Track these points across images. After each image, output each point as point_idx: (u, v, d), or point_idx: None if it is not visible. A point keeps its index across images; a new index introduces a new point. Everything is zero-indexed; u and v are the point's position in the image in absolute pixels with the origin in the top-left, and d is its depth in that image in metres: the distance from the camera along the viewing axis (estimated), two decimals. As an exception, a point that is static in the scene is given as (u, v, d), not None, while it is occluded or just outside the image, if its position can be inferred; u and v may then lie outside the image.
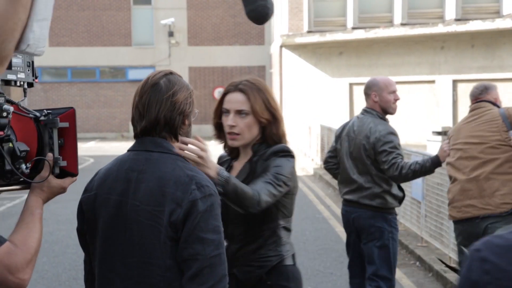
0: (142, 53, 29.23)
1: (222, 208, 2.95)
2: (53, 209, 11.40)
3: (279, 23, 24.03)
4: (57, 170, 2.02)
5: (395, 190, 4.93)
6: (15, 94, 18.62)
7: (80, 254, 7.82)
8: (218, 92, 29.36)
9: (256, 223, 2.91)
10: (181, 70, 29.41)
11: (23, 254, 1.88)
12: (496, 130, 4.81)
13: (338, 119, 19.13)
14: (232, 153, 3.06)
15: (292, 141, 22.08)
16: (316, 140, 16.92)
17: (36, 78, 2.02)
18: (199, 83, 29.62)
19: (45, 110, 2.03)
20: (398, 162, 4.75)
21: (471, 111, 5.01)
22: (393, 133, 4.88)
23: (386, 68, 20.70)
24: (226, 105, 2.97)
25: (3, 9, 1.52)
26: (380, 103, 4.91)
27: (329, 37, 21.33)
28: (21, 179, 1.96)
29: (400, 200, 4.96)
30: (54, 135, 2.01)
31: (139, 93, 2.31)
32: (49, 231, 9.49)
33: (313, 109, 21.65)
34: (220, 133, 3.02)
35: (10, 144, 1.90)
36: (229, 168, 3.06)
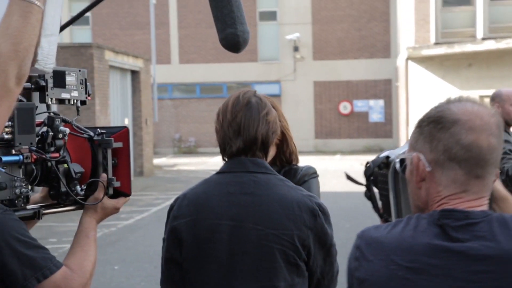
0: (267, 68, 29.62)
1: None
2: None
3: (405, 36, 23.60)
4: (111, 191, 2.00)
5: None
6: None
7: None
8: (343, 106, 29.21)
9: None
10: (306, 85, 29.54)
11: (79, 278, 1.87)
12: None
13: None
14: None
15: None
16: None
17: (89, 95, 2.02)
18: (324, 97, 29.59)
19: (98, 129, 2.02)
20: (506, 166, 4.90)
21: None
22: (506, 141, 4.95)
23: (519, 79, 19.81)
24: None
25: (20, 25, 1.54)
26: (502, 114, 5.07)
27: (457, 48, 20.70)
28: (70, 200, 1.96)
29: None
30: (108, 155, 1.98)
31: (230, 111, 2.27)
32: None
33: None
34: None
35: (66, 166, 1.91)
36: None
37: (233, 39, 2.00)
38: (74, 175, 1.93)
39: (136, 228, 11.34)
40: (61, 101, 1.95)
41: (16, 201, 1.84)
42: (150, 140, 20.36)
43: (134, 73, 19.41)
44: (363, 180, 2.65)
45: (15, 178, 1.82)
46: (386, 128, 29.17)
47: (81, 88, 2.00)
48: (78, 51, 16.17)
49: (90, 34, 29.84)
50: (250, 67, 29.64)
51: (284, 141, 2.87)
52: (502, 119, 5.16)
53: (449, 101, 1.55)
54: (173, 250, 2.29)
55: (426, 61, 21.69)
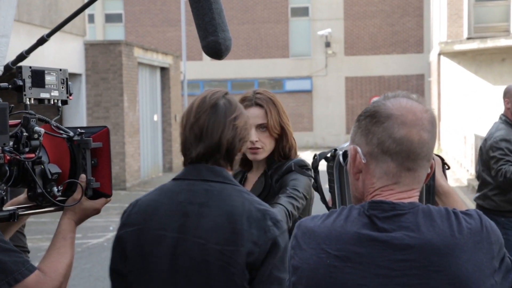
0: (299, 64, 29.57)
1: None
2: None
3: (438, 30, 23.34)
4: (90, 192, 1.97)
5: (510, 194, 5.00)
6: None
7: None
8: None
9: None
10: (337, 80, 29.41)
11: (52, 282, 1.85)
12: None
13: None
14: (246, 166, 3.02)
15: (448, 151, 21.33)
16: (471, 150, 16.22)
17: (70, 95, 1.99)
18: (355, 93, 29.43)
19: (79, 129, 1.98)
20: (503, 168, 4.89)
21: None
22: (505, 139, 4.97)
23: (553, 74, 19.46)
24: None
25: None
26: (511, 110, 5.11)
27: (490, 43, 20.41)
28: (47, 201, 1.93)
29: None
30: (87, 155, 1.95)
31: (194, 113, 2.07)
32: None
33: (472, 118, 20.79)
34: None
35: (42, 167, 1.89)
36: (243, 180, 3.05)
37: (215, 47, 2.03)
38: (50, 176, 1.91)
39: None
40: (40, 101, 1.93)
41: None
42: (179, 136, 20.47)
43: (164, 70, 19.55)
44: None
45: None
46: (419, 124, 28.88)
47: (62, 87, 1.97)
48: (107, 48, 16.34)
49: (123, 31, 30.14)
50: (281, 63, 29.62)
51: (283, 136, 2.88)
52: (511, 115, 5.14)
53: (386, 97, 1.60)
54: (118, 261, 2.11)
55: (459, 56, 21.44)
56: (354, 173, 1.59)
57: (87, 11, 17.50)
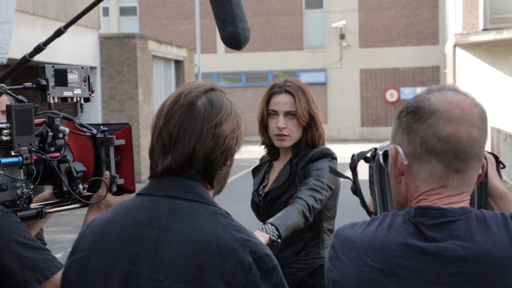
0: (313, 56, 29.50)
1: (263, 209, 2.98)
2: (224, 208, 11.82)
3: (453, 22, 23.18)
4: (114, 188, 2.01)
5: None
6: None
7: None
8: (389, 94, 28.89)
9: None
10: (352, 73, 29.31)
11: None
12: None
13: (516, 120, 18.13)
14: (273, 154, 3.05)
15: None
16: (487, 142, 16.15)
17: (92, 92, 2.02)
18: (370, 85, 29.33)
19: (101, 127, 2.01)
20: None
21: None
22: None
23: None
24: (274, 107, 2.94)
25: None
26: None
27: (506, 34, 20.24)
28: (73, 198, 1.98)
29: None
30: (110, 152, 1.99)
31: (164, 115, 1.62)
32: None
33: (488, 109, 20.60)
34: (264, 135, 3.02)
35: (67, 165, 1.94)
36: (269, 168, 3.07)
37: (234, 37, 2.04)
38: (75, 174, 1.95)
39: (175, 216, 11.47)
40: (63, 100, 1.97)
41: (17, 202, 1.87)
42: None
43: (178, 63, 19.57)
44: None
45: (16, 179, 1.86)
46: (434, 116, 28.79)
47: (84, 85, 2.01)
48: (122, 41, 16.38)
49: (138, 24, 30.20)
50: (296, 56, 29.56)
51: (312, 124, 2.91)
52: None
53: (429, 91, 1.45)
54: None
55: (474, 48, 21.29)
56: (395, 175, 1.45)
57: (102, 5, 17.55)
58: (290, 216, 2.62)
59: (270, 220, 2.59)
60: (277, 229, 2.53)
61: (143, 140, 16.51)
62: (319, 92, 29.23)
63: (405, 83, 28.94)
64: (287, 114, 2.92)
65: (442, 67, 27.82)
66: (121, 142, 2.01)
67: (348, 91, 29.30)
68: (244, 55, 29.51)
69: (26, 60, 2.07)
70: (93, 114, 15.84)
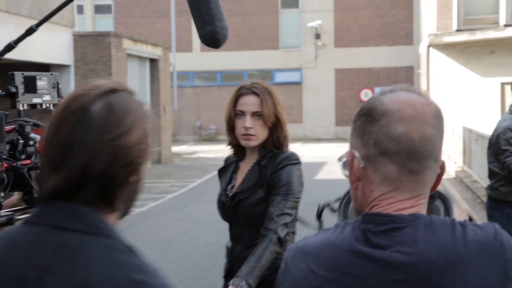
0: (289, 56, 29.56)
1: (230, 210, 3.05)
2: (191, 209, 11.82)
3: (427, 23, 23.37)
4: None
5: None
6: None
7: (207, 255, 8.07)
8: (364, 94, 29.05)
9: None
10: (327, 72, 29.42)
11: None
12: None
13: (488, 119, 18.32)
14: (239, 154, 3.13)
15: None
16: (459, 142, 16.31)
17: (62, 98, 2.02)
18: (345, 84, 29.47)
19: None
20: (507, 160, 4.97)
21: None
22: (511, 129, 5.02)
23: (541, 66, 19.55)
24: (241, 108, 3.02)
25: None
26: None
27: (479, 35, 20.45)
28: None
29: None
30: None
31: (54, 122, 1.36)
32: (182, 231, 9.85)
33: (460, 110, 20.87)
34: (231, 135, 3.10)
35: (38, 172, 1.91)
36: (236, 169, 3.16)
37: (212, 36, 2.04)
38: None
39: (149, 215, 11.44)
40: (33, 106, 1.98)
41: None
42: (168, 128, 20.46)
43: (153, 61, 19.50)
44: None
45: None
46: (408, 116, 29.00)
47: (53, 91, 2.02)
48: (96, 39, 16.28)
49: (113, 22, 30.01)
50: (271, 55, 29.60)
51: (278, 126, 3.00)
52: None
53: (382, 93, 1.43)
54: None
55: (448, 48, 21.47)
56: (352, 181, 1.41)
57: (76, 2, 17.39)
58: (261, 259, 2.81)
59: (242, 272, 2.77)
60: (248, 285, 2.73)
61: (118, 139, 16.42)
62: (294, 91, 29.31)
63: (379, 83, 29.11)
64: (254, 114, 3.00)
65: (416, 67, 28.04)
66: None
67: (323, 91, 29.40)
68: (219, 54, 29.48)
69: None
70: (67, 112, 15.72)
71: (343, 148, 24.61)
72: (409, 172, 1.35)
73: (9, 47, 2.03)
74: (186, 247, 8.73)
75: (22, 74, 1.95)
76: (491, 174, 5.25)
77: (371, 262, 1.33)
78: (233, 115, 3.05)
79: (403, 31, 29.08)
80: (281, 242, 2.86)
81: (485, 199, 9.11)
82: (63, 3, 2.02)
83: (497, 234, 1.35)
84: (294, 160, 2.99)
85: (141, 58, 18.72)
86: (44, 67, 16.05)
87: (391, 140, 1.35)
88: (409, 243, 1.32)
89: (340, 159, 1.51)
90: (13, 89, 1.93)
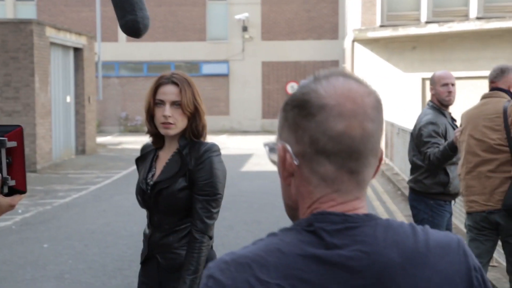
0: (216, 48, 29.51)
1: (150, 198, 3.09)
2: (116, 200, 11.68)
3: (352, 18, 23.76)
4: (6, 190, 2.00)
5: (439, 175, 5.23)
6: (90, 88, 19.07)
7: (131, 245, 7.99)
8: (290, 87, 29.32)
9: (184, 216, 3.06)
10: (254, 65, 29.53)
11: None
12: (498, 128, 4.74)
13: (410, 114, 18.80)
14: (158, 143, 3.18)
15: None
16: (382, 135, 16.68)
17: None
18: (272, 77, 29.65)
19: None
20: (428, 151, 5.10)
21: (482, 98, 4.98)
22: (431, 123, 5.18)
23: (460, 63, 20.18)
24: (160, 97, 3.06)
25: None
26: (436, 95, 5.31)
27: (402, 31, 20.93)
28: None
29: (444, 185, 5.23)
30: (2, 154, 1.97)
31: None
32: (106, 222, 9.73)
33: (384, 104, 21.31)
34: (150, 124, 3.14)
35: None
36: (155, 157, 3.19)
37: (133, 26, 2.03)
38: None
39: (72, 206, 11.24)
40: None
41: None
42: (93, 118, 20.12)
43: (77, 51, 19.11)
44: None
45: None
46: (333, 109, 29.44)
47: None
48: (18, 27, 15.83)
49: (35, 10, 29.24)
50: (198, 46, 29.48)
51: (196, 115, 3.06)
52: (436, 100, 5.49)
53: (316, 79, 1.28)
54: None
55: (372, 43, 21.89)
56: (284, 177, 1.29)
57: (-3, -12, 16.85)
58: (199, 267, 2.98)
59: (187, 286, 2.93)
60: None
61: (39, 129, 16.04)
62: (222, 83, 29.30)
63: (305, 76, 29.29)
64: (173, 103, 3.04)
65: (341, 61, 28.47)
66: (13, 144, 1.99)
67: (250, 83, 29.51)
68: (146, 45, 29.15)
69: None
70: (-13, 101, 15.24)
71: (270, 140, 24.56)
72: (349, 172, 1.24)
73: None
74: (110, 238, 8.63)
75: None
76: (414, 167, 5.37)
77: (329, 267, 1.20)
78: (153, 104, 3.08)
79: (329, 26, 29.47)
80: (211, 238, 3.03)
81: (406, 191, 9.42)
82: None
83: (460, 241, 1.29)
84: (216, 152, 3.07)
85: (64, 47, 18.32)
86: (-37, 54, 15.51)
87: (329, 139, 1.22)
88: (368, 242, 1.21)
89: (267, 144, 1.37)
90: None
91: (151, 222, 3.14)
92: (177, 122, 3.05)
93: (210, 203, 3.01)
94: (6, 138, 1.98)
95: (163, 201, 3.04)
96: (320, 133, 1.22)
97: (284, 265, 1.19)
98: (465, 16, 20.47)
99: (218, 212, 3.05)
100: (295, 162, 1.26)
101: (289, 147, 1.26)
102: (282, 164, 1.28)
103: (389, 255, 1.21)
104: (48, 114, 16.67)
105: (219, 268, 1.22)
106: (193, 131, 3.07)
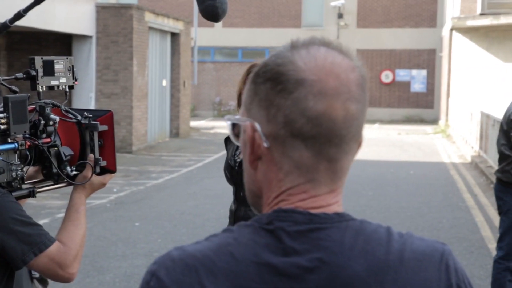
0: (311, 34, 29.17)
1: (238, 173, 3.26)
2: (206, 184, 11.96)
3: (452, 5, 23.17)
4: (98, 169, 2.18)
5: None
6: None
7: (218, 228, 8.19)
8: (384, 75, 28.93)
9: None
10: (349, 52, 29.26)
11: (70, 250, 2.09)
12: None
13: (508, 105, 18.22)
14: None
15: (455, 127, 21.33)
16: (476, 127, 16.25)
17: (76, 80, 2.21)
18: (366, 65, 28.61)
19: (85, 113, 2.19)
20: None
21: None
22: None
23: None
24: None
25: None
26: None
27: (503, 20, 20.24)
28: (62, 179, 2.16)
29: None
30: (95, 137, 2.16)
31: None
32: (195, 204, 9.99)
33: (480, 95, 20.74)
34: (240, 101, 3.30)
35: (56, 149, 2.13)
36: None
37: (212, 11, 2.15)
38: (64, 158, 2.13)
39: (164, 187, 11.59)
40: (50, 88, 2.16)
41: (13, 183, 2.07)
42: (187, 102, 20.57)
43: (174, 35, 19.56)
44: None
45: (12, 163, 2.05)
46: (428, 99, 28.85)
47: (69, 74, 2.19)
48: (118, 11, 16.36)
49: (136, -5, 30.05)
50: (293, 33, 29.48)
51: None
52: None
53: (293, 46, 1.11)
54: None
55: (471, 32, 21.31)
56: (250, 160, 1.11)
57: (100, -26, 17.45)
58: None
59: None
60: None
61: (136, 111, 16.56)
62: (315, 70, 29.21)
63: (400, 65, 28.96)
64: None
65: (438, 50, 27.84)
66: (104, 127, 2.18)
67: (344, 71, 29.28)
68: (241, 31, 29.45)
69: (6, 26, 2.15)
70: (87, 83, 15.86)
71: (370, 130, 24.48)
72: (328, 159, 1.07)
73: (19, 15, 2.12)
74: (198, 220, 8.86)
75: (41, 58, 2.12)
76: (502, 157, 5.27)
77: (285, 280, 1.05)
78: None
79: (427, 13, 28.83)
80: None
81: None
82: None
83: (444, 254, 1.10)
84: None
85: (162, 32, 18.79)
86: (66, 37, 16.19)
87: (308, 121, 1.05)
88: (332, 249, 1.05)
89: (229, 119, 1.15)
90: (33, 73, 2.11)
91: (236, 198, 3.32)
92: None
93: None
94: (98, 122, 2.17)
95: None
96: (297, 113, 1.05)
97: (235, 273, 1.05)
98: None
99: None
100: (265, 145, 1.08)
101: (258, 126, 1.08)
102: (250, 145, 1.10)
103: (353, 268, 1.05)
104: (144, 97, 17.18)
105: (165, 266, 1.07)
106: None
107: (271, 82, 1.07)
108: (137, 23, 16.51)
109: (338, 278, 1.04)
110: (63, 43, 16.48)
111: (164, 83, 19.08)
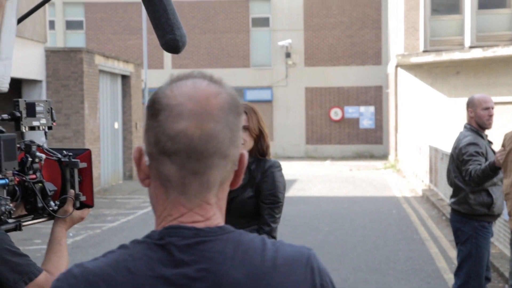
0: (260, 74, 29.84)
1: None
2: (162, 225, 11.91)
3: (396, 43, 23.83)
4: (77, 204, 2.31)
5: (482, 196, 5.34)
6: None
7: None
8: (334, 113, 29.42)
9: (251, 219, 3.63)
10: (297, 91, 29.76)
11: None
12: None
13: (454, 139, 18.71)
14: None
15: (405, 161, 21.78)
16: (426, 160, 16.65)
17: (54, 121, 2.34)
18: (315, 103, 29.80)
19: (64, 151, 2.32)
20: (469, 168, 5.20)
21: None
22: (473, 143, 5.29)
23: (505, 87, 20.05)
24: None
25: None
26: (475, 119, 5.42)
27: (445, 56, 20.93)
28: (46, 213, 2.27)
29: (488, 206, 5.34)
30: (75, 174, 2.30)
31: None
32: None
33: (427, 129, 21.28)
34: None
35: (41, 185, 2.24)
36: None
37: (173, 44, 2.27)
38: (48, 192, 2.26)
39: (121, 230, 11.52)
40: (32, 128, 2.28)
41: (1, 217, 2.15)
42: (139, 144, 20.50)
43: (125, 78, 19.60)
44: None
45: (2, 198, 2.14)
46: (377, 135, 29.39)
47: (48, 115, 2.32)
48: (68, 55, 16.36)
49: (84, 39, 30.04)
50: (242, 73, 29.86)
51: (261, 137, 3.70)
52: (475, 123, 5.66)
53: (172, 80, 1.28)
54: None
55: (415, 69, 21.92)
56: (141, 179, 1.28)
57: (48, 18, 17.42)
58: None
59: None
60: None
61: (89, 155, 16.44)
62: (265, 109, 29.56)
63: (349, 101, 29.50)
64: (243, 128, 3.50)
65: (385, 86, 28.50)
66: (84, 165, 2.33)
67: (294, 109, 29.71)
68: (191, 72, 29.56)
69: None
70: (38, 127, 15.72)
71: (313, 166, 24.96)
72: (192, 173, 1.22)
73: None
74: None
75: (25, 101, 2.26)
76: (456, 189, 5.46)
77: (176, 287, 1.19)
78: None
79: (372, 51, 29.56)
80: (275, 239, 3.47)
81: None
82: (28, 12, 2.28)
83: (310, 257, 1.26)
84: (278, 168, 3.71)
85: (113, 74, 18.82)
86: (16, 82, 16.08)
87: (168, 139, 1.21)
88: (216, 260, 1.20)
89: (138, 146, 1.37)
90: (18, 114, 2.24)
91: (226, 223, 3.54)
92: (246, 143, 3.64)
93: (274, 209, 3.61)
94: (79, 160, 2.31)
95: (234, 206, 3.52)
96: (160, 132, 1.22)
97: (133, 286, 1.18)
98: (510, 41, 20.38)
99: (280, 217, 3.63)
100: (147, 163, 1.25)
101: (144, 149, 1.26)
102: (137, 165, 1.28)
103: (234, 276, 1.19)
104: (97, 140, 17.11)
105: (68, 283, 1.19)
106: (259, 150, 3.69)
107: (148, 109, 1.27)
108: (87, 66, 16.52)
109: (221, 285, 1.19)
110: (13, 88, 16.27)
111: (116, 125, 19.04)
